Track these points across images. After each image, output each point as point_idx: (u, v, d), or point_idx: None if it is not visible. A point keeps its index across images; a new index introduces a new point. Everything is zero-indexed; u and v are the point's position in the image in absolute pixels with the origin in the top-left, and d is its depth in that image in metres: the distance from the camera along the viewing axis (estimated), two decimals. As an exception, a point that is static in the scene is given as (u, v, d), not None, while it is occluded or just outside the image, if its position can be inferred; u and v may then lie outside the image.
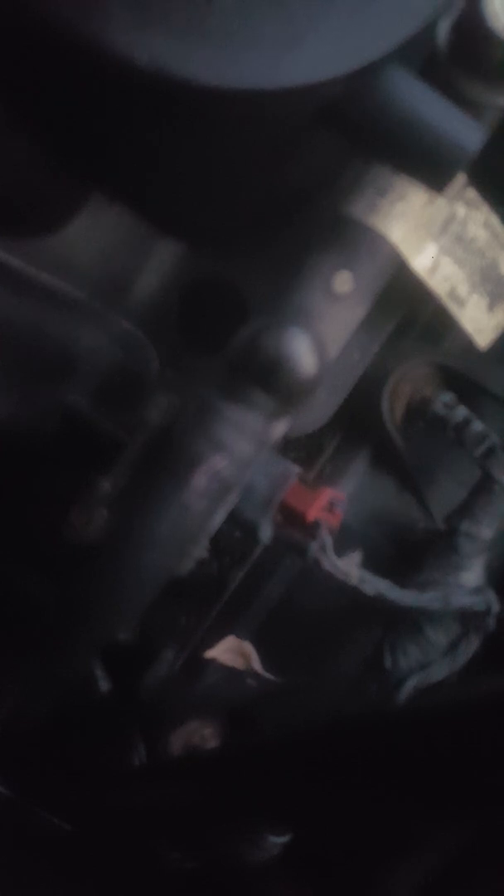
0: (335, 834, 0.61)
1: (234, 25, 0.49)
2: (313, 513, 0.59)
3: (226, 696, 0.68)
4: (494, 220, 0.61)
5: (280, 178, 0.61)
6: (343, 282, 0.56)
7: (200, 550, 0.57)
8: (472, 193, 0.60)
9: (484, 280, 0.62)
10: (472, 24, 0.52)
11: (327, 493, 0.60)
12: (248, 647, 0.67)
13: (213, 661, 0.67)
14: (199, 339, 0.65)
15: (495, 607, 0.67)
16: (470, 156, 0.53)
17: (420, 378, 0.69)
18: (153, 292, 0.65)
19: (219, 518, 0.56)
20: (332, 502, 0.61)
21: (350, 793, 0.52)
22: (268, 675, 0.68)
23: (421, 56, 0.53)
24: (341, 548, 0.62)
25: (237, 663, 0.67)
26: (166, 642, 0.67)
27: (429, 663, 0.67)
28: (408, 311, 0.67)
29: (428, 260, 0.59)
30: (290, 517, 0.59)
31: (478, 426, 0.67)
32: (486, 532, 0.68)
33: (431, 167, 0.54)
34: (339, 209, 0.57)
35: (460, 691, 0.65)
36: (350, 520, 0.65)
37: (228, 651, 0.67)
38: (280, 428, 0.55)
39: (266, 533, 0.59)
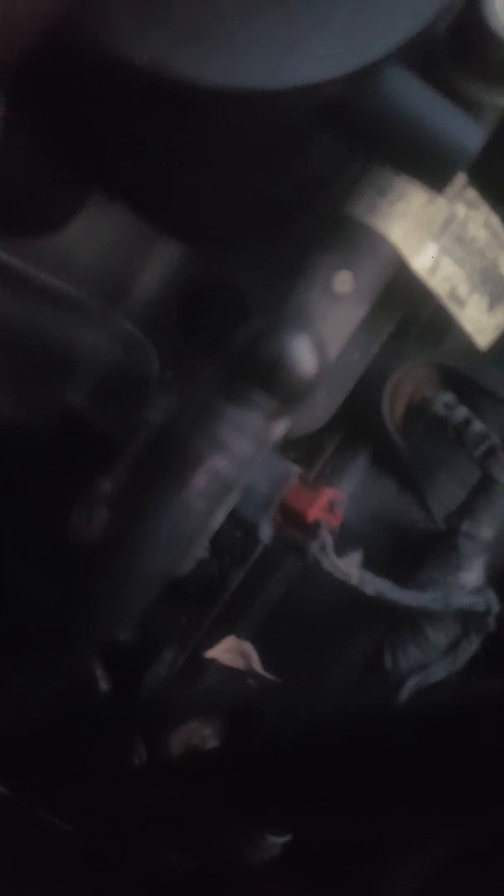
0: (335, 834, 0.61)
1: (234, 25, 0.49)
2: (313, 513, 0.59)
3: (226, 696, 0.68)
4: (494, 220, 0.61)
5: (280, 179, 0.61)
6: (343, 282, 0.56)
7: (200, 550, 0.57)
8: (472, 193, 0.60)
9: (484, 280, 0.62)
10: (472, 24, 0.52)
11: (327, 493, 0.60)
12: (248, 647, 0.67)
13: (213, 661, 0.67)
14: (199, 339, 0.65)
15: (495, 607, 0.67)
16: (470, 156, 0.53)
17: (420, 378, 0.69)
18: (153, 292, 0.65)
19: (219, 518, 0.56)
20: (332, 502, 0.61)
21: (350, 793, 0.52)
22: (268, 675, 0.68)
23: (421, 56, 0.53)
24: (341, 548, 0.62)
25: (237, 663, 0.67)
26: (166, 642, 0.67)
27: (429, 663, 0.67)
28: (408, 311, 0.67)
29: (428, 260, 0.59)
30: (291, 517, 0.59)
31: (478, 426, 0.67)
32: (486, 532, 0.68)
33: (431, 167, 0.54)
34: (339, 209, 0.57)
35: (460, 691, 0.65)
36: (350, 520, 0.65)
37: (228, 651, 0.67)
38: (280, 428, 0.56)
39: (266, 533, 0.59)
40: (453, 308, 0.62)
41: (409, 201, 0.57)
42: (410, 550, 0.69)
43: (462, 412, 0.68)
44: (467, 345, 0.64)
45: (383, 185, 0.56)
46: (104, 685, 0.65)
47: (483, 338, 0.64)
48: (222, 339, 0.55)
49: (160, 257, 0.65)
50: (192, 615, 0.67)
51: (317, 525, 0.60)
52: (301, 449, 0.68)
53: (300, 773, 0.54)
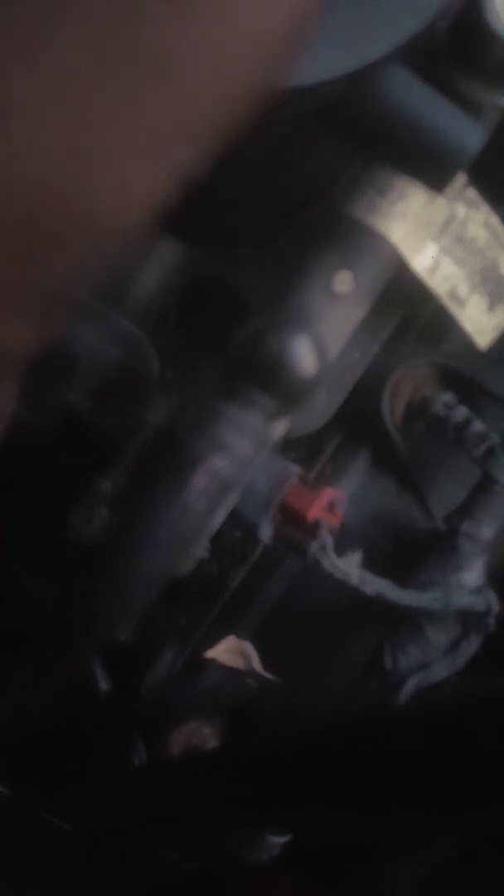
0: (335, 834, 0.61)
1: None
2: (313, 513, 0.59)
3: (226, 696, 0.68)
4: (494, 220, 0.61)
5: (280, 178, 0.61)
6: (343, 282, 0.56)
7: (200, 550, 0.57)
8: (472, 193, 0.60)
9: (484, 280, 0.62)
10: (472, 24, 0.52)
11: (327, 493, 0.60)
12: (248, 647, 0.67)
13: (213, 661, 0.67)
14: (199, 339, 0.65)
15: (495, 607, 0.67)
16: (470, 156, 0.53)
17: (420, 378, 0.69)
18: (153, 292, 0.65)
19: (219, 518, 0.56)
20: (332, 502, 0.61)
21: (350, 793, 0.52)
22: (268, 675, 0.68)
23: (421, 56, 0.53)
24: (341, 548, 0.62)
25: (237, 663, 0.67)
26: (166, 642, 0.67)
27: (429, 663, 0.67)
28: (408, 311, 0.67)
29: (428, 260, 0.59)
30: (291, 517, 0.59)
31: (478, 426, 0.67)
32: (486, 532, 0.68)
33: (431, 167, 0.54)
34: (339, 209, 0.57)
35: (460, 691, 0.65)
36: (350, 520, 0.65)
37: (228, 651, 0.67)
38: (280, 428, 0.55)
39: (266, 533, 0.59)
40: (453, 308, 0.62)
41: (409, 201, 0.57)
42: (410, 550, 0.69)
43: (462, 412, 0.68)
44: (467, 345, 0.64)
45: (383, 185, 0.56)
46: (104, 685, 0.65)
47: (483, 338, 0.64)
48: (222, 339, 0.55)
49: (160, 257, 0.65)
50: (192, 615, 0.67)
51: (317, 525, 0.60)
52: (301, 449, 0.68)
53: (300, 773, 0.54)
